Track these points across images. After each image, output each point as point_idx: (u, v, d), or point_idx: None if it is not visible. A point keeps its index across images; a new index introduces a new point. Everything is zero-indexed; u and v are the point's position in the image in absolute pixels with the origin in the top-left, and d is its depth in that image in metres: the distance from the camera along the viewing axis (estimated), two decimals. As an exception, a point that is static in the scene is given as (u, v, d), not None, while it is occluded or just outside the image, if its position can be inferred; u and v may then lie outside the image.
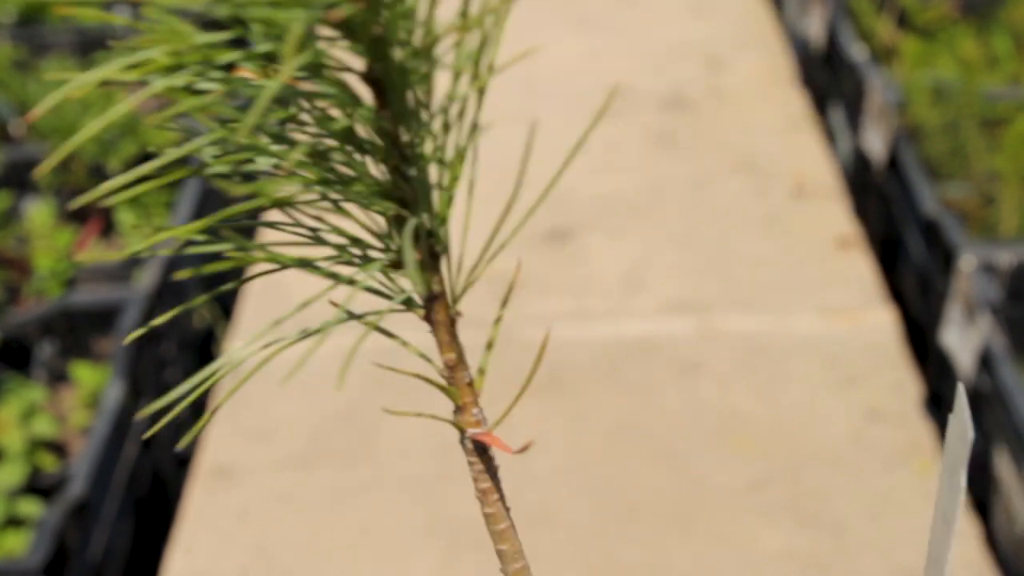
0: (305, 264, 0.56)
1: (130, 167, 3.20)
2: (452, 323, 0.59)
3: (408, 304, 0.58)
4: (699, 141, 3.82)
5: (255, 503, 2.62)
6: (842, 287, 3.12)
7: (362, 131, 0.52)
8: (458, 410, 0.62)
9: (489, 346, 0.62)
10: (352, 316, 0.57)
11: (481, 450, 0.62)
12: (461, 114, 0.53)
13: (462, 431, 0.62)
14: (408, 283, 0.57)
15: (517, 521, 0.67)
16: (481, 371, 0.62)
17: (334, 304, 0.58)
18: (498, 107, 0.57)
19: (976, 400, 2.52)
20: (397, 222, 0.55)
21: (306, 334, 0.57)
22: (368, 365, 3.13)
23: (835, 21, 3.80)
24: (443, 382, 0.60)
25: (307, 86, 0.50)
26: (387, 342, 0.61)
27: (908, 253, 3.05)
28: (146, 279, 2.81)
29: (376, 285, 0.58)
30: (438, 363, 0.61)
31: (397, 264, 0.57)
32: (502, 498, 0.64)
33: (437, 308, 0.58)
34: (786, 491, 2.54)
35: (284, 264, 0.56)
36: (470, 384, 0.61)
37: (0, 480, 2.38)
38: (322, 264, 0.56)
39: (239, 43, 0.49)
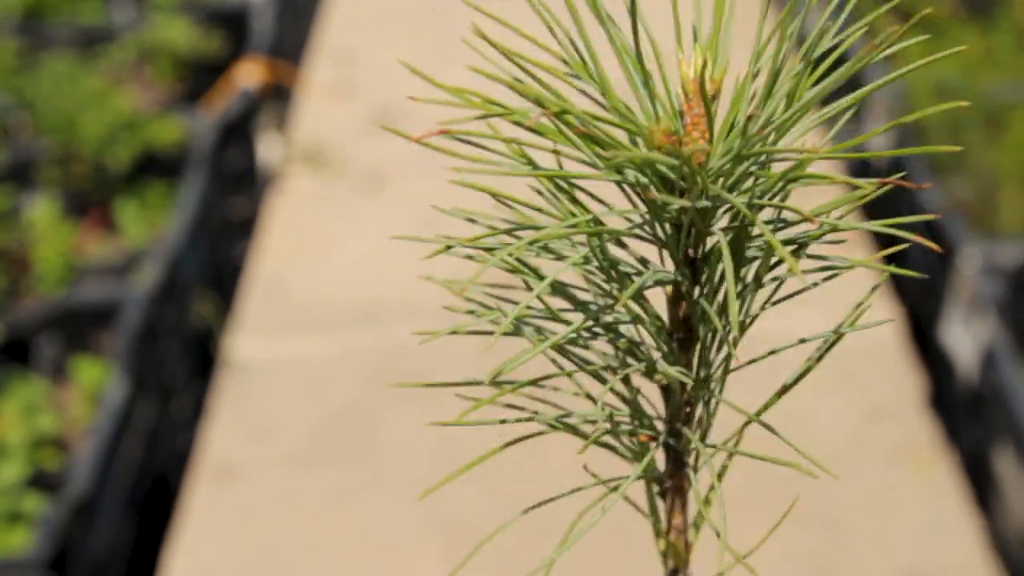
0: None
1: (132, 164, 3.20)
2: (686, 491, 0.59)
3: (647, 471, 0.59)
4: (700, 139, 3.81)
5: (257, 502, 2.63)
6: (842, 284, 3.12)
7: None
8: (674, 573, 0.61)
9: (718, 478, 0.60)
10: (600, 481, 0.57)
11: None
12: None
13: None
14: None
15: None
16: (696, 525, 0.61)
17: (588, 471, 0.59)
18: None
19: (977, 398, 2.53)
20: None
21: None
22: (370, 365, 3.12)
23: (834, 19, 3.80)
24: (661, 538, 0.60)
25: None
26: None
27: (909, 250, 3.05)
28: (147, 277, 2.81)
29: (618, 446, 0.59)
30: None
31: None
32: None
33: (679, 474, 0.59)
34: (785, 490, 2.55)
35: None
36: (688, 547, 0.60)
37: (2, 476, 2.38)
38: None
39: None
